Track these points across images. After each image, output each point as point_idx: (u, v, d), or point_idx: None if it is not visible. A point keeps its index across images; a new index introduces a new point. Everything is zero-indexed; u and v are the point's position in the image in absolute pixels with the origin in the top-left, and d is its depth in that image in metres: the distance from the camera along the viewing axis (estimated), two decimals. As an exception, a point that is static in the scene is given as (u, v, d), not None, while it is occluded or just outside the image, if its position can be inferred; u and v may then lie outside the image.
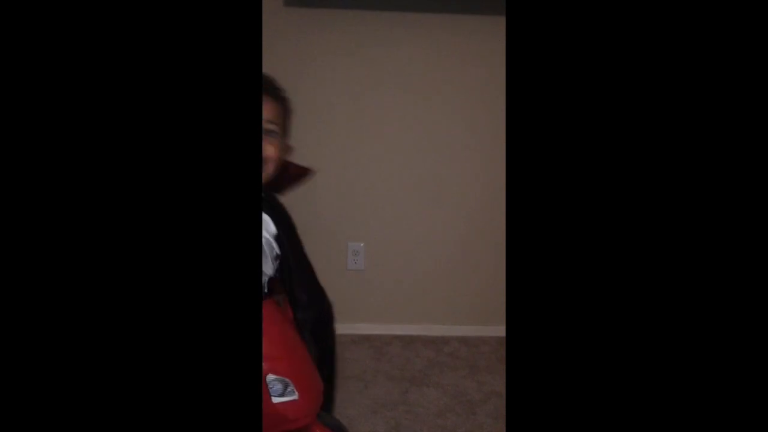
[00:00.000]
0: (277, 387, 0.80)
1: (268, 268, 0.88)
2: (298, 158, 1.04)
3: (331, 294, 0.95)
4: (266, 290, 0.90)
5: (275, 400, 0.80)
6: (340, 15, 1.64)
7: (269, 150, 0.83)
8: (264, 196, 0.87)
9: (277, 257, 0.89)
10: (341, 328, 1.73)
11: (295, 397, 0.81)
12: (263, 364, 0.78)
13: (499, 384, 1.43)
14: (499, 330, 1.73)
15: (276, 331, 0.83)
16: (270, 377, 0.80)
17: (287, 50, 1.61)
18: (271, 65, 0.85)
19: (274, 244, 0.88)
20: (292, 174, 0.96)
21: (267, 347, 0.71)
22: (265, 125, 0.83)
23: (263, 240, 0.86)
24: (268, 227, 0.87)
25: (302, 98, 1.64)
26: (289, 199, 1.08)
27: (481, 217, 1.73)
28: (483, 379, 1.48)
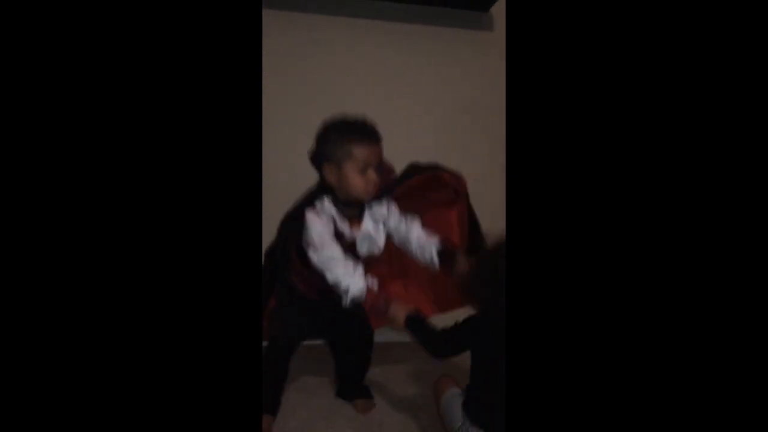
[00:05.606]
0: None
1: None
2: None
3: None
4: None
5: None
6: (320, 20, 1.65)
7: (373, 176, 1.15)
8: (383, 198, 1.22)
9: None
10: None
11: None
12: None
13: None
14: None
15: None
16: None
17: (266, 53, 1.61)
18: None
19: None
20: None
21: None
22: (375, 164, 1.15)
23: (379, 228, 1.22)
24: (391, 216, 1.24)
25: (282, 102, 1.64)
26: (287, 203, 1.24)
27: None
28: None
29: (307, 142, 1.72)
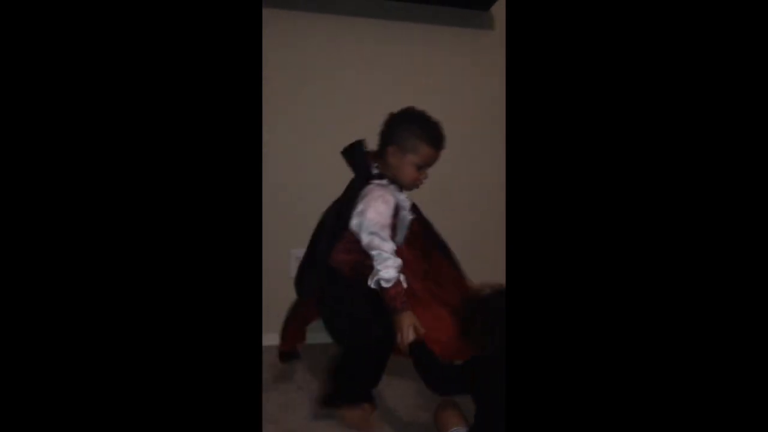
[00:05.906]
0: None
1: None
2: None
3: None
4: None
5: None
6: (320, 19, 1.65)
7: (425, 175, 1.23)
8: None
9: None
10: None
11: None
12: None
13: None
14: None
15: None
16: None
17: (266, 52, 1.60)
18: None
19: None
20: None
21: None
22: (429, 166, 1.22)
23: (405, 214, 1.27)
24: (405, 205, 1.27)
25: (282, 100, 1.64)
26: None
27: (480, 224, 1.76)
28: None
29: (307, 142, 1.73)
